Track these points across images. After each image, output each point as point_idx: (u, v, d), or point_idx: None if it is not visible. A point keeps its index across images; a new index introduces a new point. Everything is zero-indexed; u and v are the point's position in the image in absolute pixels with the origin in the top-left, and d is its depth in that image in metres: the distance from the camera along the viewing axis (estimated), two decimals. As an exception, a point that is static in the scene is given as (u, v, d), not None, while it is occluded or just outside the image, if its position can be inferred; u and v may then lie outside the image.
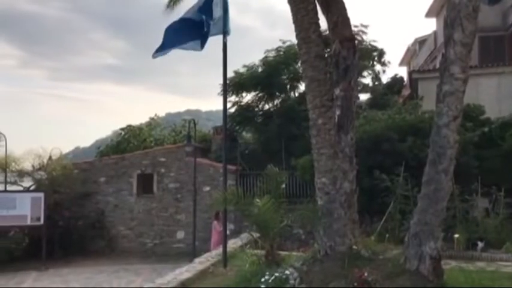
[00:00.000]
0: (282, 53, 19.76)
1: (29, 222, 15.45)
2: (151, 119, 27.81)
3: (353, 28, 8.09)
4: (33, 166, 19.58)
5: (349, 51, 7.12)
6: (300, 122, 16.87)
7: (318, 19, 7.34)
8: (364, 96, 21.68)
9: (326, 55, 7.62)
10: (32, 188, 18.73)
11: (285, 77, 20.22)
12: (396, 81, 22.56)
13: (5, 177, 18.75)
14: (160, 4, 9.22)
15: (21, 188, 19.25)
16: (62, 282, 12.96)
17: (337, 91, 7.05)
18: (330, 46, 7.47)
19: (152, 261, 15.93)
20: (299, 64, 18.05)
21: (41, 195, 15.84)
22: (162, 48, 8.68)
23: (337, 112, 6.99)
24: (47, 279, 13.48)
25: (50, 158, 19.64)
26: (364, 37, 19.97)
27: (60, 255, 16.04)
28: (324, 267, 6.26)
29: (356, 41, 7.96)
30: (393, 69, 57.10)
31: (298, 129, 17.87)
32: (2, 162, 20.29)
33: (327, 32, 7.79)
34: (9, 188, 18.65)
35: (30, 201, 15.53)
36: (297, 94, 20.61)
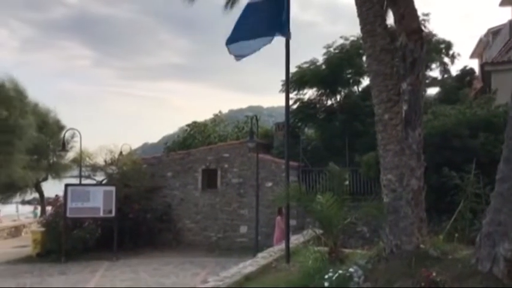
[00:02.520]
0: (344, 49, 19.43)
1: (101, 214, 16.29)
2: (215, 115, 28.38)
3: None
4: (105, 161, 20.68)
5: (417, 44, 6.87)
6: (364, 117, 16.54)
7: (383, 12, 7.15)
8: (432, 90, 20.87)
9: (392, 48, 7.39)
10: (104, 182, 19.75)
11: (348, 72, 19.88)
12: (466, 73, 21.46)
13: (80, 171, 19.90)
14: (223, 4, 9.36)
15: (94, 182, 20.38)
16: (132, 272, 13.56)
17: (404, 85, 6.83)
18: (396, 39, 7.26)
19: (216, 255, 16.29)
20: (363, 58, 17.72)
21: (113, 188, 16.63)
22: (236, 39, 8.64)
23: (404, 107, 6.77)
24: (117, 268, 14.16)
25: (121, 153, 20.63)
26: (430, 28, 19.21)
27: (130, 246, 16.80)
28: (389, 266, 6.11)
29: (423, 33, 7.66)
30: (463, 62, 54.44)
31: (362, 125, 17.52)
32: (77, 157, 21.58)
33: (393, 25, 7.58)
34: (84, 181, 19.76)
35: (103, 195, 16.37)
36: (360, 89, 20.21)
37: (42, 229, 17.27)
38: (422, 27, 8.16)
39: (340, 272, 5.97)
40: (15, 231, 25.04)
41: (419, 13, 7.13)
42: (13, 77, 24.58)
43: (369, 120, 17.03)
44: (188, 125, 26.24)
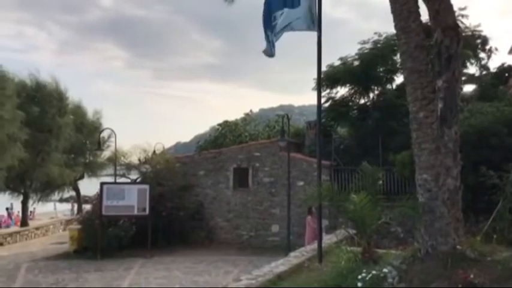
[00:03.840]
0: (378, 45, 19.13)
1: (136, 212, 16.58)
2: (246, 114, 28.52)
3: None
4: (139, 160, 21.02)
5: (452, 40, 6.71)
6: (399, 116, 16.26)
7: (418, 7, 7.00)
8: (469, 88, 20.31)
9: (427, 45, 7.23)
10: (138, 180, 20.10)
11: (381, 70, 19.58)
12: (505, 70, 20.79)
13: (115, 170, 20.32)
14: (255, 4, 9.36)
15: (128, 180, 20.77)
16: (165, 270, 13.75)
17: (439, 82, 6.68)
18: (431, 35, 7.10)
19: (248, 253, 16.35)
20: (397, 56, 17.41)
21: (147, 187, 16.89)
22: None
23: (440, 105, 6.62)
24: (151, 266, 14.39)
25: (154, 152, 20.94)
26: (466, 23, 18.66)
27: (163, 244, 17.03)
28: (424, 267, 5.99)
29: (459, 29, 7.46)
30: (502, 57, 52.77)
31: (396, 124, 17.23)
32: (112, 156, 22.06)
33: (428, 21, 7.42)
34: (118, 180, 20.16)
35: (137, 193, 16.65)
36: (394, 87, 19.88)
37: (79, 227, 17.74)
38: (459, 23, 7.94)
39: (374, 272, 5.89)
40: (54, 228, 25.84)
41: (455, 8, 6.95)
42: (55, 77, 25.40)
43: (403, 119, 16.76)
44: (219, 124, 26.46)
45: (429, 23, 7.33)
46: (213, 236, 18.66)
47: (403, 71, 7.50)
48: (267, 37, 8.52)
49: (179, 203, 18.05)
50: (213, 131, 29.84)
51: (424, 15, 7.23)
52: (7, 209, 30.71)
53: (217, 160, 19.18)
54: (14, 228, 25.26)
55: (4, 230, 24.39)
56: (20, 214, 26.82)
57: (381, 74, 19.71)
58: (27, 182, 24.75)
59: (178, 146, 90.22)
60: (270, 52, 8.59)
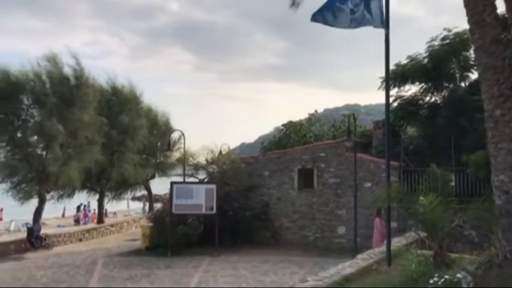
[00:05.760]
0: (449, 40, 18.32)
1: (203, 211, 17.02)
2: (311, 114, 28.32)
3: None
4: (206, 160, 21.57)
5: (533, 33, 6.32)
6: (472, 114, 15.48)
7: (493, 0, 6.66)
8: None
9: (504, 39, 6.85)
10: (205, 180, 20.62)
11: (453, 66, 18.74)
12: None
13: (184, 170, 20.96)
14: (319, 3, 9.27)
15: (196, 180, 21.36)
16: (232, 269, 14.00)
17: (517, 78, 6.31)
18: (508, 29, 6.72)
19: (314, 255, 16.25)
20: (470, 51, 16.59)
21: (214, 186, 17.29)
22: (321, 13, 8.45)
23: (518, 102, 6.26)
24: (218, 264, 14.71)
25: (220, 152, 21.37)
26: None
27: (229, 243, 17.33)
28: (502, 273, 5.69)
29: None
30: None
31: (469, 122, 16.42)
32: (181, 157, 22.81)
33: (505, 13, 7.02)
34: (187, 179, 20.79)
35: (205, 192, 17.11)
36: (467, 83, 18.95)
37: (151, 224, 18.49)
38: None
39: (447, 277, 5.66)
40: (127, 225, 27.14)
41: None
42: (131, 81, 26.64)
43: (477, 117, 15.92)
44: (284, 125, 26.51)
45: (506, 16, 6.95)
46: (279, 236, 18.72)
47: (477, 67, 7.17)
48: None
49: (245, 203, 18.31)
50: (277, 131, 29.97)
51: (501, 7, 6.87)
52: (79, 207, 32.55)
53: (282, 161, 19.22)
54: (91, 225, 26.81)
55: (83, 227, 25.97)
56: (97, 212, 28.40)
57: (453, 71, 18.86)
58: (103, 181, 26.10)
59: (243, 147, 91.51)
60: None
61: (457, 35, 18.02)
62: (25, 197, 21.27)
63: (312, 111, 29.00)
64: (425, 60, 18.80)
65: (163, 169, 30.52)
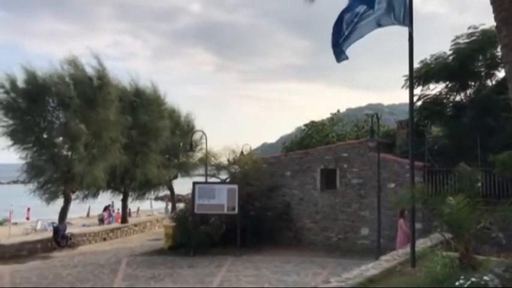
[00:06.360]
0: (473, 37, 17.95)
1: (225, 211, 17.08)
2: (333, 114, 28.13)
3: None
4: (228, 160, 21.64)
5: None
6: (499, 112, 15.14)
7: (521, -4, 6.48)
8: None
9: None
10: (227, 180, 20.68)
11: (479, 65, 18.36)
12: None
13: (206, 170, 21.08)
14: (340, 1, 9.20)
15: (218, 180, 21.45)
16: (254, 269, 14.02)
17: (547, 76, 6.14)
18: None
19: (337, 256, 16.14)
20: (497, 49, 16.22)
21: (235, 187, 17.33)
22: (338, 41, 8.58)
23: (548, 100, 6.09)
24: (241, 264, 14.74)
25: (242, 153, 21.42)
26: None
27: (251, 243, 17.34)
28: (531, 277, 5.53)
29: None
30: None
31: (496, 121, 16.06)
32: (204, 157, 22.94)
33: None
34: (209, 180, 20.90)
35: (227, 192, 17.16)
36: (494, 82, 18.54)
37: (173, 224, 18.65)
38: None
39: (473, 279, 5.54)
40: (150, 225, 27.42)
41: None
42: (154, 83, 26.91)
43: (504, 116, 15.57)
44: (306, 125, 26.39)
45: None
46: (301, 236, 18.64)
47: (504, 65, 7.00)
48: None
49: (267, 203, 18.27)
50: (298, 131, 29.84)
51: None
52: (107, 207, 33.02)
53: (304, 161, 19.14)
54: (115, 225, 27.18)
55: (107, 226, 26.34)
56: (121, 211, 28.76)
57: (480, 69, 18.48)
58: (127, 181, 26.43)
59: (265, 147, 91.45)
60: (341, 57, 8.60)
61: (483, 32, 17.65)
62: (51, 197, 21.68)
63: (334, 111, 28.85)
64: (450, 58, 18.48)
65: (185, 169, 30.75)
